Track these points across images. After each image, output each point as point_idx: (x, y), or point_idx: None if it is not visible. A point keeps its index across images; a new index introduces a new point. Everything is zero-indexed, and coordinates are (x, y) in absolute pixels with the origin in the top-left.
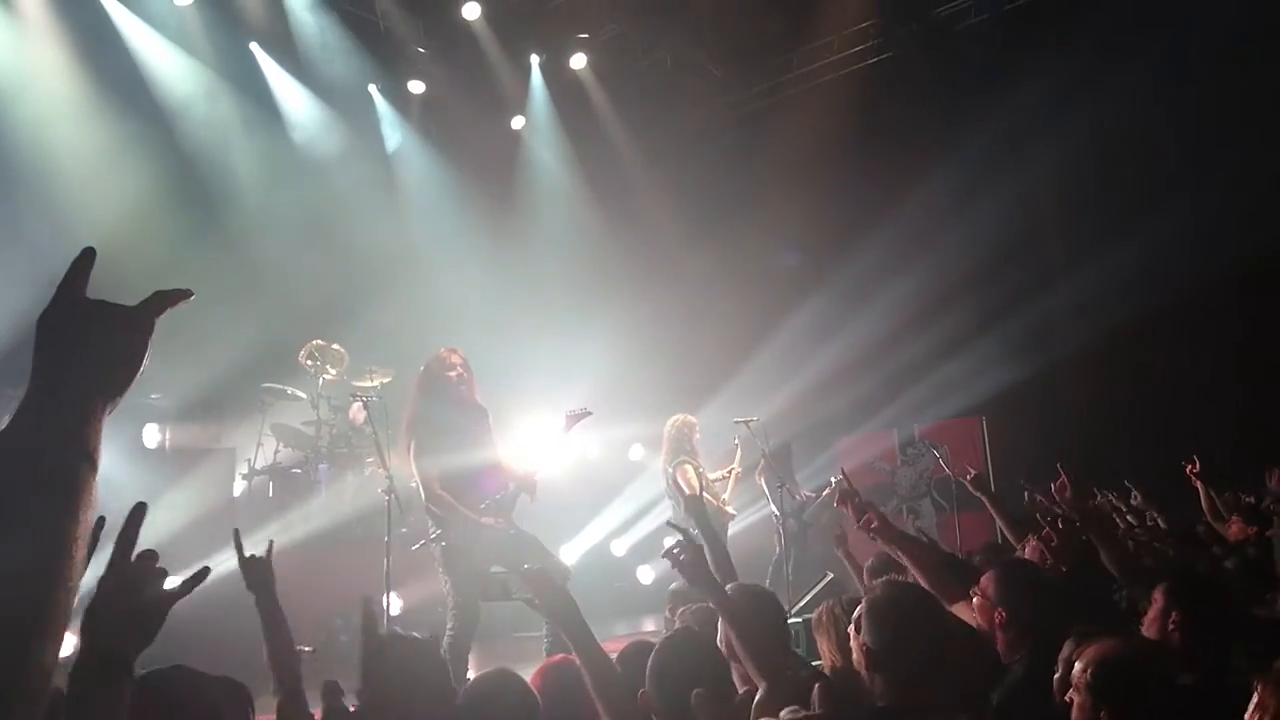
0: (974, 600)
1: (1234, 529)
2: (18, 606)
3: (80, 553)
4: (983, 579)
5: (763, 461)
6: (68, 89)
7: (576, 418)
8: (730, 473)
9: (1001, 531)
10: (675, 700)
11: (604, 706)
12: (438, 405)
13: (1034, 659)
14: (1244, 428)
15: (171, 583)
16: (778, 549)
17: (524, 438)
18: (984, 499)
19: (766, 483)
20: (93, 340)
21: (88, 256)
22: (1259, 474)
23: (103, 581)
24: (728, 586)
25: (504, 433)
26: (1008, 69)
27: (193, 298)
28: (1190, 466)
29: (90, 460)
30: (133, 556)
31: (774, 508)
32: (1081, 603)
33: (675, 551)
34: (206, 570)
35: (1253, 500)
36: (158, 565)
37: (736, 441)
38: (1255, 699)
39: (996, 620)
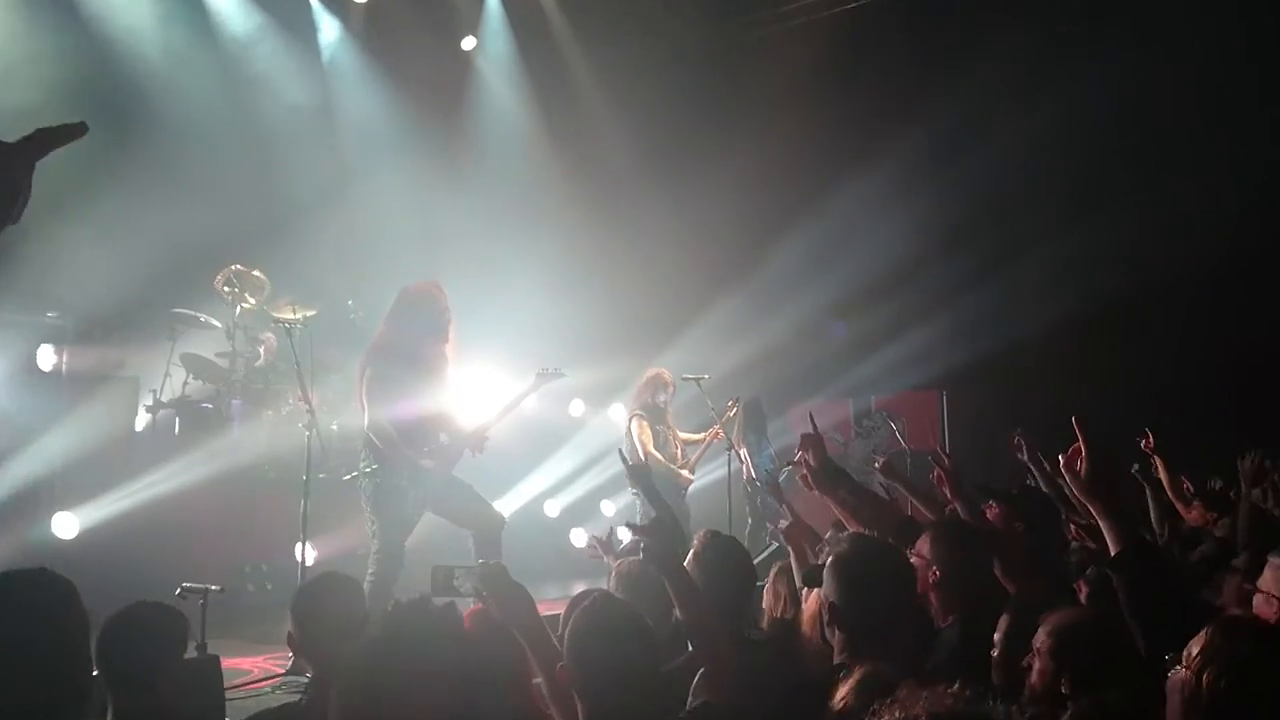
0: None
1: (1194, 514)
2: None
3: None
4: (920, 539)
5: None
6: None
7: (548, 378)
8: (711, 435)
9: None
10: (596, 672)
11: (550, 692)
12: (413, 339)
13: (969, 623)
14: (1212, 413)
15: None
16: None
17: (479, 389)
18: (898, 485)
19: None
20: None
21: None
22: (1221, 460)
23: None
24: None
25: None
26: (988, 31)
27: (86, 135)
28: (1145, 441)
29: None
30: None
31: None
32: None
33: (641, 541)
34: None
35: (1218, 487)
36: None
37: (731, 403)
38: (1202, 638)
39: (931, 579)
